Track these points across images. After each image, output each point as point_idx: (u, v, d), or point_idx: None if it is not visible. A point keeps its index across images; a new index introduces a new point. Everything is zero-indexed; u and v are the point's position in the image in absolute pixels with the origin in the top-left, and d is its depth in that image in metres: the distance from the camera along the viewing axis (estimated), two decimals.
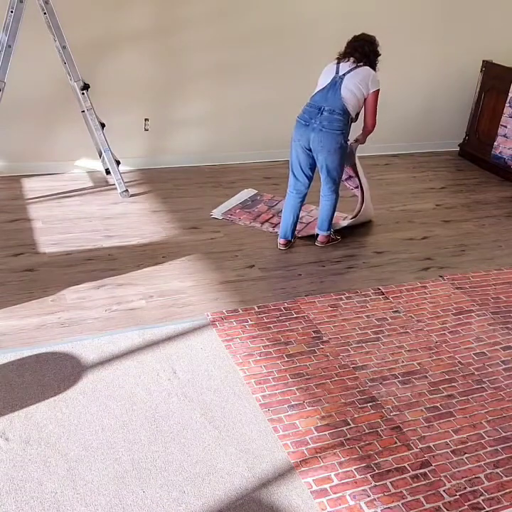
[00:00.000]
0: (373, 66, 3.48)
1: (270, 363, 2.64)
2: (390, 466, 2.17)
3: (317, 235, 3.79)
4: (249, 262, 3.52)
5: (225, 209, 4.16)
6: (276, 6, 4.66)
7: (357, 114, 3.53)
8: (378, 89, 3.45)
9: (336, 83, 3.41)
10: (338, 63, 3.49)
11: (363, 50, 3.44)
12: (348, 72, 3.41)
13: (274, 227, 3.95)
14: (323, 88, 3.45)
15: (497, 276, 3.60)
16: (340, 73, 3.42)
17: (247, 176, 4.84)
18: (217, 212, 4.10)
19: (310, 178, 3.61)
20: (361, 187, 4.01)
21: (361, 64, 3.42)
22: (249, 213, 4.13)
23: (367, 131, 3.62)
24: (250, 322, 2.92)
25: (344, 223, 3.96)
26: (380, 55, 3.51)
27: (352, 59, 3.44)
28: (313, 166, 3.58)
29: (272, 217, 4.11)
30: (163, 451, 2.14)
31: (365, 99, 3.46)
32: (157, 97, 4.62)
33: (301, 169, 3.57)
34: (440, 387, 2.60)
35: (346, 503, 2.00)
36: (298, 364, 2.66)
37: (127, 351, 2.63)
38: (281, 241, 3.71)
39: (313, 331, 2.90)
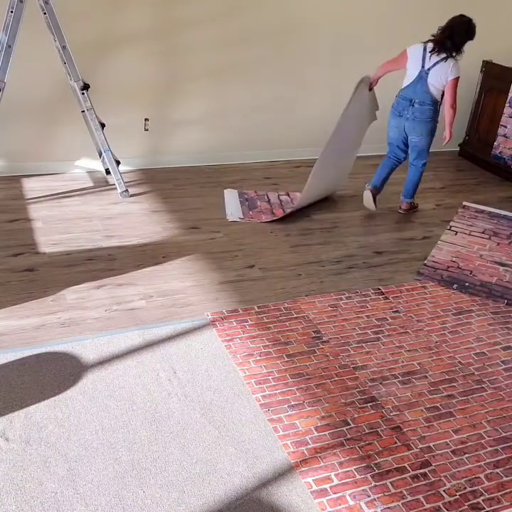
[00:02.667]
0: (460, 50, 3.81)
1: (270, 363, 2.64)
2: (390, 466, 2.17)
3: (401, 203, 4.35)
4: (249, 262, 3.52)
5: (237, 212, 4.13)
6: (276, 6, 4.66)
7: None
8: (457, 78, 3.81)
9: (422, 78, 3.86)
10: (425, 51, 3.83)
11: (453, 41, 3.76)
12: (433, 66, 3.81)
13: (275, 215, 4.15)
14: (411, 82, 3.92)
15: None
16: (426, 67, 3.83)
17: (247, 175, 4.84)
18: (233, 216, 4.08)
19: (404, 151, 4.20)
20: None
21: (447, 56, 3.78)
22: (261, 212, 4.18)
23: (447, 114, 3.92)
24: (250, 322, 2.92)
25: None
26: (471, 39, 3.82)
27: (439, 51, 3.78)
28: (407, 143, 4.14)
29: (277, 209, 4.27)
30: (163, 451, 2.14)
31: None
32: (157, 97, 4.62)
33: (397, 146, 4.17)
34: (440, 387, 2.60)
35: (346, 503, 2.00)
36: (298, 364, 2.66)
37: (127, 351, 2.63)
38: (370, 188, 4.24)
39: (313, 331, 2.90)
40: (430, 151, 4.18)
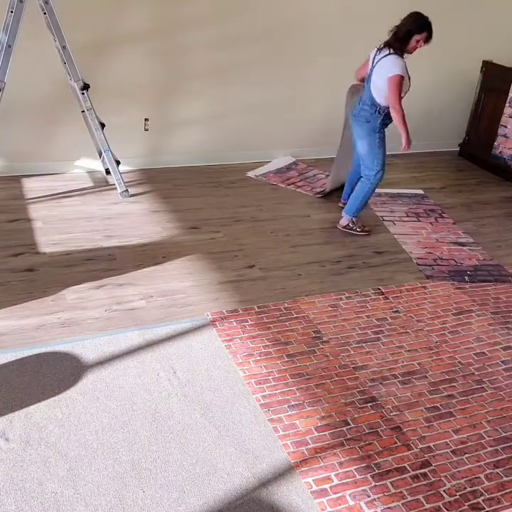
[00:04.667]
0: (402, 46, 3.54)
1: (270, 363, 2.64)
2: (390, 466, 2.17)
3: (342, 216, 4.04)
4: (249, 262, 3.52)
5: (260, 172, 4.82)
6: (276, 6, 4.66)
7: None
8: (396, 75, 3.47)
9: (369, 78, 3.66)
10: (377, 51, 3.62)
11: (396, 35, 3.55)
12: (377, 63, 3.59)
13: (298, 188, 4.61)
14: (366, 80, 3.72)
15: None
16: (371, 65, 3.64)
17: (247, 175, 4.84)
18: (252, 173, 4.80)
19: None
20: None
21: (389, 52, 3.53)
22: (279, 177, 4.79)
23: (393, 118, 3.62)
24: (250, 322, 2.92)
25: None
26: (419, 31, 3.54)
27: (385, 45, 3.57)
28: None
29: (299, 181, 4.74)
30: (163, 451, 2.14)
31: None
32: (157, 97, 4.62)
33: (355, 149, 3.95)
34: (440, 387, 2.60)
35: (346, 503, 2.00)
36: (298, 364, 2.66)
37: (127, 351, 2.63)
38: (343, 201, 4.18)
39: (313, 331, 2.90)
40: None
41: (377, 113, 3.63)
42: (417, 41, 3.56)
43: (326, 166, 4.96)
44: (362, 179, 3.85)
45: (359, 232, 3.93)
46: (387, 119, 3.67)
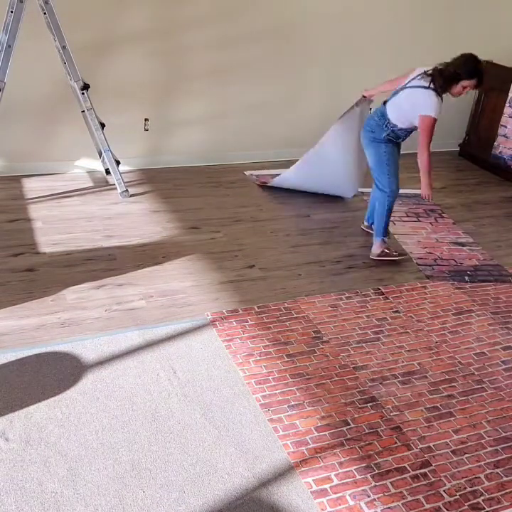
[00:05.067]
0: (443, 87, 3.24)
1: (270, 363, 2.64)
2: (390, 466, 2.17)
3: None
4: (249, 262, 3.52)
5: (256, 172, 4.82)
6: (276, 6, 4.65)
7: (408, 133, 3.46)
8: (430, 116, 3.22)
9: (397, 91, 3.40)
10: (421, 75, 3.30)
11: (442, 73, 3.23)
12: (414, 88, 3.29)
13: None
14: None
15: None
16: (408, 85, 3.33)
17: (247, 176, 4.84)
18: (248, 172, 4.83)
19: None
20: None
21: (429, 86, 3.23)
22: (271, 177, 4.67)
23: (418, 163, 3.41)
24: (250, 322, 2.92)
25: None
26: (464, 79, 3.23)
27: (431, 75, 3.26)
28: None
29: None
30: (163, 451, 2.14)
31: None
32: (157, 97, 4.62)
33: None
34: (440, 387, 2.60)
35: (346, 503, 2.00)
36: (298, 364, 2.66)
37: (127, 351, 2.63)
38: (366, 225, 4.01)
39: (313, 331, 2.90)
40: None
41: (384, 126, 3.42)
42: (464, 87, 3.26)
43: None
44: (378, 196, 3.60)
45: (395, 256, 3.64)
46: (394, 137, 3.46)
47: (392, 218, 4.03)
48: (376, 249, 3.65)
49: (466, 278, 3.54)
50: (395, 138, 3.48)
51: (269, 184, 4.56)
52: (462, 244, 3.98)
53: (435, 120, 3.25)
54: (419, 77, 3.32)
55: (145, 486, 2.00)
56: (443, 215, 4.38)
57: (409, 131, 3.47)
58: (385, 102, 3.47)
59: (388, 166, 3.51)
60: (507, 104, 5.08)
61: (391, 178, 3.52)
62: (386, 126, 3.43)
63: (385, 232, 3.64)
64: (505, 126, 5.12)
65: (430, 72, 3.29)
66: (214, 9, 4.48)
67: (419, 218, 4.29)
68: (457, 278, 3.53)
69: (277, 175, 4.59)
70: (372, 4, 4.95)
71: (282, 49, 4.82)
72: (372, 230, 3.84)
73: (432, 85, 3.23)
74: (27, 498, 1.92)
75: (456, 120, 5.69)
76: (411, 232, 4.07)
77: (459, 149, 5.77)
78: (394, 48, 5.17)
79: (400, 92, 3.38)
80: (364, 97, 3.91)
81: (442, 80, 3.23)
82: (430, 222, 4.24)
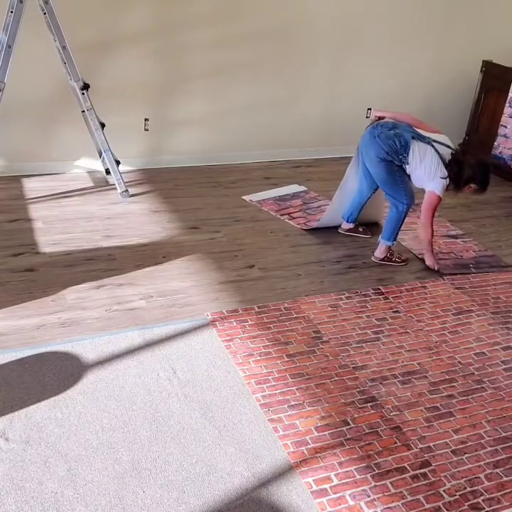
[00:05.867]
0: (455, 184, 3.36)
1: (270, 363, 2.64)
2: (390, 466, 2.17)
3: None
4: (249, 262, 3.52)
5: (257, 198, 4.40)
6: (276, 6, 4.66)
7: (410, 174, 3.45)
8: (437, 195, 3.35)
9: (425, 138, 3.37)
10: (444, 145, 3.38)
11: (459, 175, 3.33)
12: (437, 147, 3.34)
13: (291, 219, 4.12)
14: (413, 129, 3.42)
15: (497, 276, 3.60)
16: (434, 142, 3.37)
17: (247, 176, 4.84)
18: (247, 197, 4.39)
19: (366, 179, 3.67)
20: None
21: (447, 174, 3.32)
22: (277, 205, 4.34)
23: (421, 234, 3.54)
24: (250, 322, 2.92)
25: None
26: (475, 184, 3.38)
27: (449, 160, 3.34)
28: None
29: (296, 212, 4.24)
30: (163, 451, 2.14)
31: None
32: (157, 97, 4.62)
33: (361, 168, 3.65)
34: (440, 387, 2.60)
35: (346, 503, 2.00)
36: (298, 364, 2.66)
37: (127, 351, 2.63)
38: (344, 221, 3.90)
39: (313, 331, 2.90)
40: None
41: (401, 156, 3.38)
42: (469, 188, 3.42)
43: (332, 184, 4.67)
44: (393, 206, 3.54)
45: (399, 262, 3.63)
46: (400, 164, 3.43)
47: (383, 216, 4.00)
48: (380, 253, 3.62)
49: (472, 269, 3.64)
50: (404, 171, 3.46)
51: (315, 226, 4.01)
52: (455, 237, 4.07)
53: (440, 200, 3.40)
54: (444, 147, 3.37)
55: (145, 486, 2.00)
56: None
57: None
58: (412, 136, 3.38)
59: (401, 178, 3.46)
60: (507, 104, 5.08)
61: (407, 189, 3.48)
62: (402, 157, 3.38)
63: (395, 238, 3.60)
64: (505, 126, 5.12)
65: (450, 159, 3.35)
66: (214, 9, 4.48)
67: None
68: (464, 270, 3.61)
69: (277, 197, 4.43)
70: (373, 4, 4.95)
71: (282, 49, 4.82)
72: (352, 231, 3.85)
73: (447, 174, 3.33)
74: (27, 498, 1.92)
75: (456, 120, 5.69)
76: (404, 228, 4.05)
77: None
78: (394, 48, 5.18)
79: (427, 144, 3.36)
80: (379, 118, 3.62)
81: (458, 181, 3.36)
82: (418, 216, 4.21)
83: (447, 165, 3.35)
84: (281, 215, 4.16)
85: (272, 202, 4.37)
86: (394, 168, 3.43)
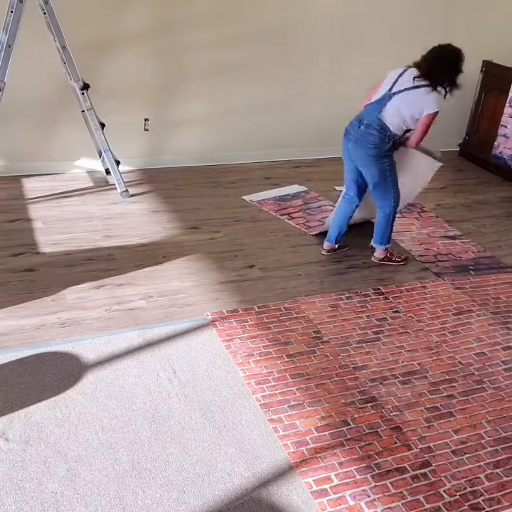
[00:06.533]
0: (441, 83, 3.22)
1: (270, 363, 2.64)
2: (390, 466, 2.17)
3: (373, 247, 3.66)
4: (249, 262, 3.52)
5: (257, 197, 4.40)
6: (276, 6, 4.65)
7: (406, 131, 3.33)
8: (435, 112, 3.21)
9: (383, 100, 3.27)
10: (401, 75, 3.26)
11: (431, 67, 3.20)
12: (401, 91, 3.22)
13: (290, 219, 4.11)
14: (371, 103, 3.33)
15: (497, 276, 3.60)
16: (393, 91, 3.24)
17: (247, 176, 4.84)
18: (247, 197, 4.39)
19: (357, 186, 3.54)
20: None
21: (422, 84, 3.19)
22: (277, 205, 4.33)
23: (409, 143, 3.38)
24: (250, 322, 2.92)
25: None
26: (457, 73, 3.25)
27: (416, 73, 3.21)
28: (360, 175, 3.48)
29: (296, 212, 4.23)
30: (163, 451, 2.14)
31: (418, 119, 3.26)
32: (157, 97, 4.62)
33: (348, 177, 3.56)
34: (440, 387, 2.60)
35: (346, 504, 2.00)
36: (298, 364, 2.66)
37: (127, 351, 2.63)
38: (324, 244, 3.69)
39: (313, 331, 2.90)
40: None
41: (387, 139, 3.27)
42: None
43: (330, 183, 4.74)
44: (380, 207, 3.51)
45: (399, 262, 3.62)
46: (393, 146, 3.35)
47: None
48: (380, 254, 3.62)
49: (472, 271, 3.61)
50: (394, 146, 3.36)
51: (319, 231, 3.96)
52: (453, 238, 4.05)
53: (437, 113, 3.23)
54: (405, 76, 3.25)
55: (145, 486, 2.00)
56: (423, 209, 4.41)
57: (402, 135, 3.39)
58: (377, 114, 3.27)
59: (391, 179, 3.42)
60: (507, 104, 5.08)
61: (395, 190, 3.45)
62: (388, 137, 3.28)
63: (389, 240, 3.59)
64: (505, 126, 5.12)
65: (417, 72, 3.22)
66: (214, 9, 4.48)
67: (403, 214, 4.27)
68: (463, 273, 3.59)
69: (278, 197, 4.41)
70: (373, 4, 4.95)
71: (282, 49, 4.82)
72: (336, 250, 3.70)
73: (434, 88, 3.20)
74: (27, 498, 1.92)
75: (456, 120, 5.69)
76: (402, 229, 4.08)
77: (459, 149, 5.77)
78: (394, 47, 5.16)
79: (393, 99, 3.24)
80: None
81: (450, 83, 3.24)
82: (415, 218, 4.27)
83: (424, 80, 3.19)
84: (281, 215, 4.16)
85: (272, 202, 4.36)
86: (386, 168, 3.37)
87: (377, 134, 3.26)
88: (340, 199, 3.70)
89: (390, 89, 3.27)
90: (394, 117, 3.25)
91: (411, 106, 3.22)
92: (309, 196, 4.52)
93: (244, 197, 4.40)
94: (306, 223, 4.06)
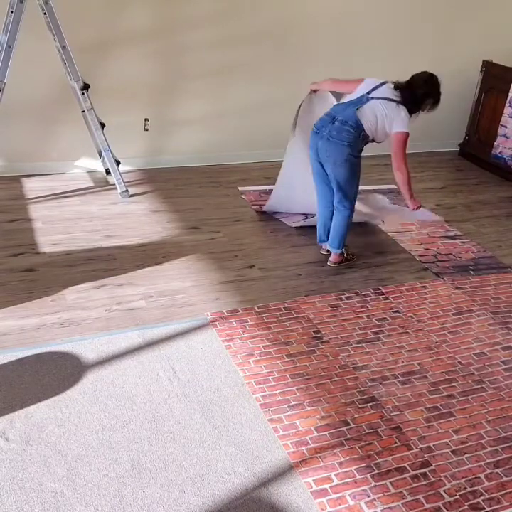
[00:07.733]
0: (415, 107, 3.26)
1: (270, 363, 2.64)
2: (390, 466, 2.17)
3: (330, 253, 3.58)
4: (249, 262, 3.52)
5: (248, 189, 4.51)
6: (277, 6, 4.66)
7: (374, 138, 3.33)
8: (404, 132, 3.21)
9: (360, 101, 3.25)
10: (380, 85, 3.27)
11: (413, 95, 3.22)
12: (378, 98, 3.22)
13: (259, 209, 4.19)
14: (347, 102, 3.31)
15: (497, 276, 3.60)
16: (371, 95, 3.24)
17: (247, 176, 4.84)
18: (242, 188, 4.51)
19: (330, 189, 3.46)
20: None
21: (397, 100, 3.22)
22: (260, 196, 4.39)
23: (397, 179, 3.34)
24: (250, 322, 2.92)
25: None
26: (432, 98, 3.27)
27: (394, 90, 3.24)
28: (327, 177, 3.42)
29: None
30: (163, 451, 2.14)
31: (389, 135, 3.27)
32: (157, 97, 4.62)
33: (318, 180, 3.49)
34: (440, 387, 2.60)
35: (346, 503, 2.00)
36: (298, 364, 2.66)
37: (127, 351, 2.63)
38: (321, 246, 3.69)
39: (313, 331, 2.90)
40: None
41: (361, 137, 3.25)
42: (427, 106, 3.31)
43: None
44: (337, 211, 3.44)
45: (352, 258, 3.60)
46: (364, 144, 3.34)
47: (382, 218, 4.01)
48: (336, 258, 3.55)
49: (472, 271, 3.61)
50: (364, 145, 3.34)
51: (263, 209, 4.14)
52: (453, 238, 4.05)
53: (408, 134, 3.24)
54: (383, 87, 3.26)
55: (145, 486, 2.00)
56: (422, 208, 4.39)
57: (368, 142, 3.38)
58: (355, 110, 3.24)
59: (357, 182, 3.39)
60: (507, 104, 5.08)
61: (356, 191, 3.44)
62: (362, 136, 3.26)
63: (345, 243, 3.53)
64: (505, 126, 5.12)
65: (395, 86, 3.25)
66: (214, 9, 4.48)
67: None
68: (463, 273, 3.59)
69: (267, 190, 4.39)
70: (372, 4, 4.95)
71: (282, 49, 4.82)
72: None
73: (403, 106, 3.22)
74: (27, 498, 1.92)
75: (456, 120, 5.69)
76: (402, 229, 4.08)
77: (459, 149, 5.77)
78: (394, 47, 5.17)
79: (370, 102, 3.23)
80: (313, 91, 3.76)
81: (413, 103, 3.24)
82: (415, 221, 4.26)
83: (399, 97, 3.22)
84: (253, 205, 4.23)
85: (256, 194, 4.44)
86: (356, 169, 3.33)
87: (353, 131, 3.23)
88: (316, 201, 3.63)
89: (368, 93, 3.26)
90: (369, 118, 3.23)
91: (384, 116, 3.22)
92: None
93: (240, 188, 4.53)
94: (262, 206, 4.15)
